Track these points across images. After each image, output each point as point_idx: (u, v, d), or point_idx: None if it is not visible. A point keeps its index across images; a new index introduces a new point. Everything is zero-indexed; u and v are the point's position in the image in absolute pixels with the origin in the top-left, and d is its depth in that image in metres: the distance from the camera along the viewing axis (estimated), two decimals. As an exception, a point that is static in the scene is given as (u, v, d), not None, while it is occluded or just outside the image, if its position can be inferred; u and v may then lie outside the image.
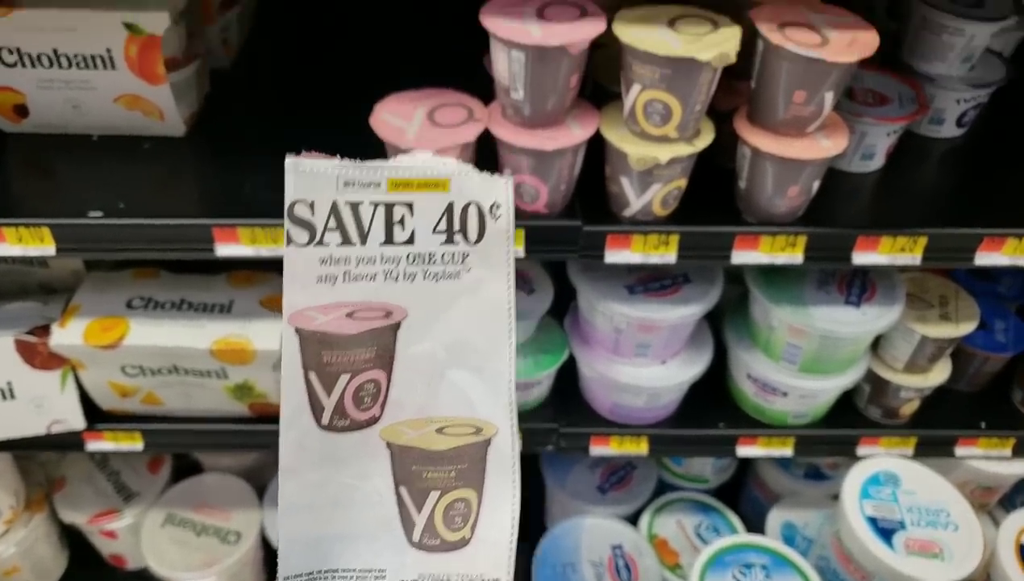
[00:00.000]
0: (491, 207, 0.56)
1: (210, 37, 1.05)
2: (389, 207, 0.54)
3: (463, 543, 0.58)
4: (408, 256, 0.55)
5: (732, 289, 1.09)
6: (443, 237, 0.56)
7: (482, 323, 0.57)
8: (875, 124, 0.93)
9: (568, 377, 1.15)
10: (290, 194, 0.53)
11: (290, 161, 0.52)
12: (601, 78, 0.93)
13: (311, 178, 0.52)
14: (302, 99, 1.07)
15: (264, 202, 0.86)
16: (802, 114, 0.80)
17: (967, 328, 1.07)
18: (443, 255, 0.56)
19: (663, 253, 0.88)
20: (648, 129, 0.80)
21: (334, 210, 0.53)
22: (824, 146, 0.82)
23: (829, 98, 0.81)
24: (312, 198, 0.52)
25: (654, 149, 0.80)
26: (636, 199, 0.85)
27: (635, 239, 0.87)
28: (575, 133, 0.81)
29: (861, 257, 0.90)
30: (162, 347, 0.99)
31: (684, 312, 1.00)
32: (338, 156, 0.54)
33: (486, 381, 0.58)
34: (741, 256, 0.89)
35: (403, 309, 0.56)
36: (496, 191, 0.56)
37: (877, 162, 0.98)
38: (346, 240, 0.54)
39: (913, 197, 0.95)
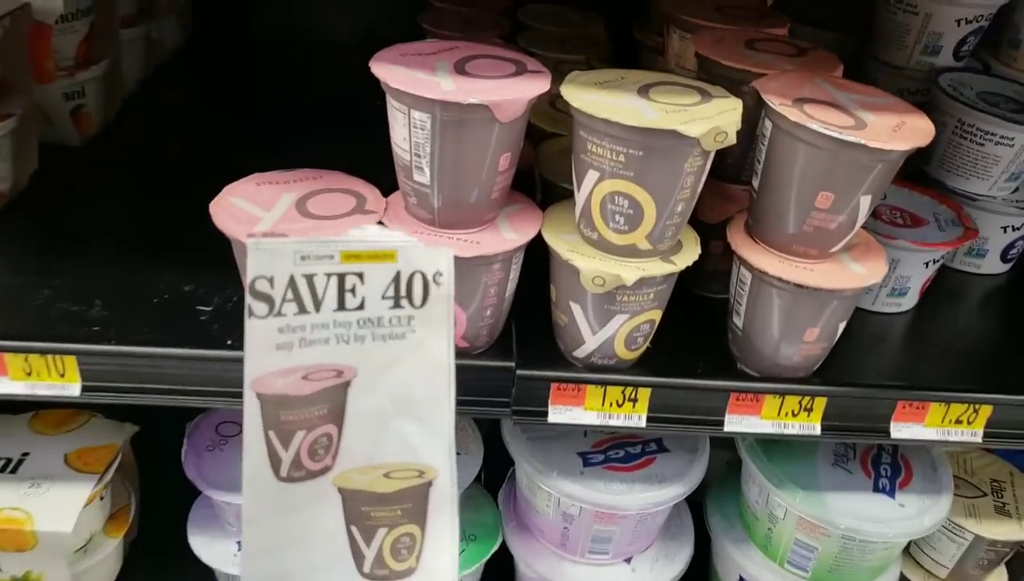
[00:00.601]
0: (434, 275, 0.62)
1: (50, 101, 0.90)
2: (341, 277, 0.60)
3: (409, 572, 0.70)
4: (359, 320, 0.62)
5: (719, 455, 0.92)
6: (391, 302, 0.62)
7: (424, 378, 0.65)
8: (912, 250, 0.77)
9: (501, 573, 0.95)
10: (252, 271, 0.57)
11: (251, 241, 0.57)
12: (552, 174, 0.78)
13: (270, 255, 0.58)
14: (161, 187, 0.91)
15: (65, 317, 0.69)
16: (827, 226, 0.61)
17: (1034, 528, 0.85)
18: (390, 318, 0.62)
19: (628, 414, 0.70)
20: (609, 236, 0.62)
21: (291, 283, 0.59)
22: (857, 274, 0.62)
23: (865, 205, 0.61)
24: (271, 274, 0.58)
25: (616, 265, 0.62)
26: (592, 335, 0.67)
27: (590, 392, 0.69)
28: (506, 237, 0.64)
29: (902, 430, 0.73)
30: None
31: (657, 496, 0.81)
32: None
33: (428, 429, 0.66)
34: (737, 423, 0.71)
35: (353, 368, 0.63)
36: (439, 261, 0.62)
37: (910, 300, 0.83)
38: (302, 309, 0.60)
39: (961, 350, 0.81)
